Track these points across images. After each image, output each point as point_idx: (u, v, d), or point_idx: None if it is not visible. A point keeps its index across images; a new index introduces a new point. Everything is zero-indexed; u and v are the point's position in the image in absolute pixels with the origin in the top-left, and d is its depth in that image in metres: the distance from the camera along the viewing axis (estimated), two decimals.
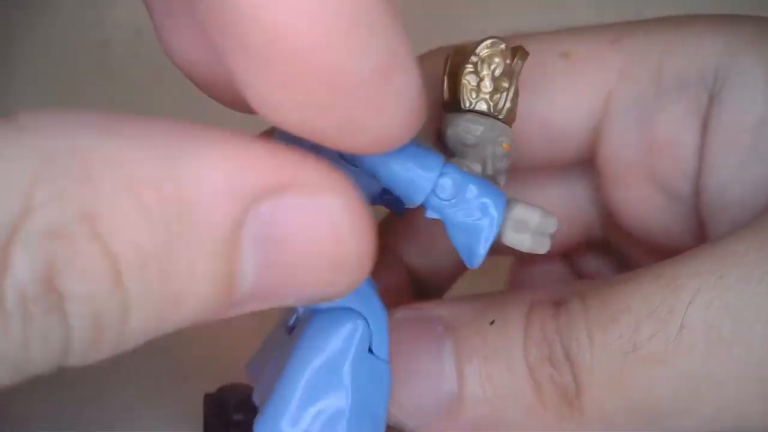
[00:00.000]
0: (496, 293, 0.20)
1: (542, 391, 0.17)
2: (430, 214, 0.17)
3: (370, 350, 0.16)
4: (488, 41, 0.18)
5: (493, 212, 0.16)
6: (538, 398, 0.18)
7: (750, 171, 0.19)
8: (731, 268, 0.17)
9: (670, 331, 0.17)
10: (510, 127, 0.18)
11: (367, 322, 0.16)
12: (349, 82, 0.12)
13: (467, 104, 0.18)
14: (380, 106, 0.13)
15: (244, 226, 0.12)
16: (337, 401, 0.15)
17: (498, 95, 0.18)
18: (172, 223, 0.11)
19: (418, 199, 0.17)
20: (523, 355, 0.18)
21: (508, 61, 0.18)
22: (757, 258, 0.16)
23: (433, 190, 0.16)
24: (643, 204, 0.22)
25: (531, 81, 0.22)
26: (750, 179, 0.19)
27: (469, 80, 0.18)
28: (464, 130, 0.18)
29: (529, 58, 0.19)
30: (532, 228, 0.17)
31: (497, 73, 0.18)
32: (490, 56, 0.18)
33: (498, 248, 0.27)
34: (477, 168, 0.18)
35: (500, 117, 0.18)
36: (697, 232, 0.21)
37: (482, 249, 0.17)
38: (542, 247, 0.17)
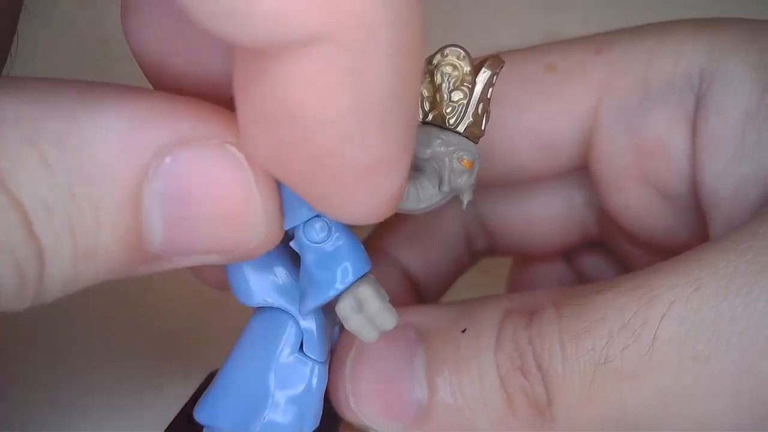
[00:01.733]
0: (472, 300, 0.20)
1: (513, 401, 0.17)
2: (292, 244, 0.16)
3: (301, 349, 0.17)
4: (446, 49, 0.17)
5: (339, 282, 0.16)
6: (509, 409, 0.17)
7: (738, 167, 0.19)
8: (708, 280, 0.16)
9: (643, 345, 0.16)
10: (475, 141, 0.18)
11: (298, 323, 0.17)
12: (340, 169, 0.12)
13: (420, 116, 0.17)
14: (357, 195, 0.13)
15: (147, 179, 0.12)
16: (262, 396, 0.17)
17: (456, 107, 0.17)
18: (74, 177, 0.12)
19: (286, 224, 0.16)
20: (495, 365, 0.18)
21: (468, 70, 0.17)
22: (734, 269, 0.16)
23: (304, 225, 0.16)
24: (640, 207, 0.22)
25: (518, 95, 0.22)
26: (738, 175, 0.19)
27: (423, 91, 0.17)
28: (418, 142, 0.17)
29: (513, 70, 0.19)
30: (366, 313, 0.16)
31: (454, 83, 0.17)
32: (447, 65, 0.17)
33: (498, 248, 0.27)
34: (431, 185, 0.17)
35: (458, 130, 0.17)
36: (699, 229, 0.21)
37: (311, 304, 0.16)
38: (366, 336, 0.16)
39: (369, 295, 0.16)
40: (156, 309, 0.32)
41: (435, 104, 0.17)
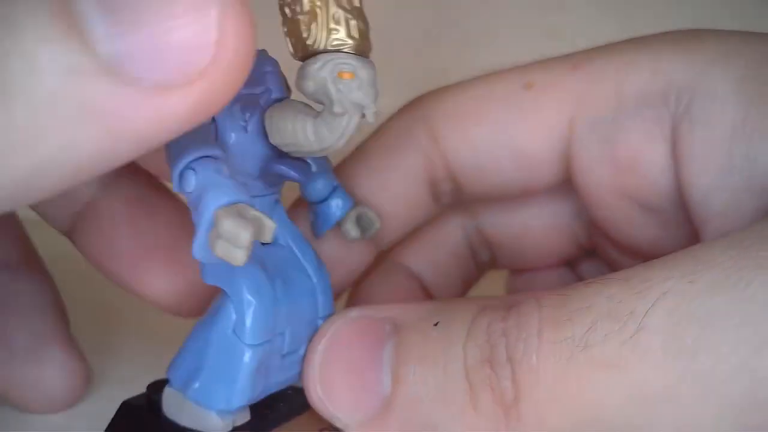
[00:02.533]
0: (456, 299, 0.19)
1: (476, 395, 0.16)
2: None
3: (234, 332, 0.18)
4: None
5: (203, 221, 0.16)
6: (470, 402, 0.16)
7: (728, 180, 0.19)
8: (704, 273, 0.15)
9: (627, 333, 0.15)
10: (363, 56, 0.16)
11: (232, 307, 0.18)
12: None
13: (297, 55, 0.17)
14: None
15: None
16: (199, 365, 0.18)
17: (312, 29, 0.16)
18: None
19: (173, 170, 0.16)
20: (462, 356, 0.17)
21: None
22: (733, 264, 0.15)
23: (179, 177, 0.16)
24: (624, 220, 0.22)
25: (498, 114, 0.22)
26: (729, 188, 0.19)
27: (284, 30, 0.17)
28: (300, 79, 0.17)
29: (493, 90, 0.21)
30: (223, 236, 0.15)
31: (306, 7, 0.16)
32: None
33: (500, 260, 0.27)
34: (332, 116, 0.16)
35: (333, 49, 0.16)
36: (688, 243, 0.21)
37: (195, 246, 0.16)
38: (233, 258, 0.15)
39: (220, 219, 0.15)
40: (157, 309, 0.32)
41: (298, 41, 0.16)
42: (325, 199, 0.21)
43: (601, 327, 0.15)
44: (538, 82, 0.22)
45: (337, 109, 0.16)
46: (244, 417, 0.19)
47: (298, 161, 0.19)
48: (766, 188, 0.18)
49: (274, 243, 0.20)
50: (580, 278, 0.27)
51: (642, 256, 0.23)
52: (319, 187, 0.21)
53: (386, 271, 0.25)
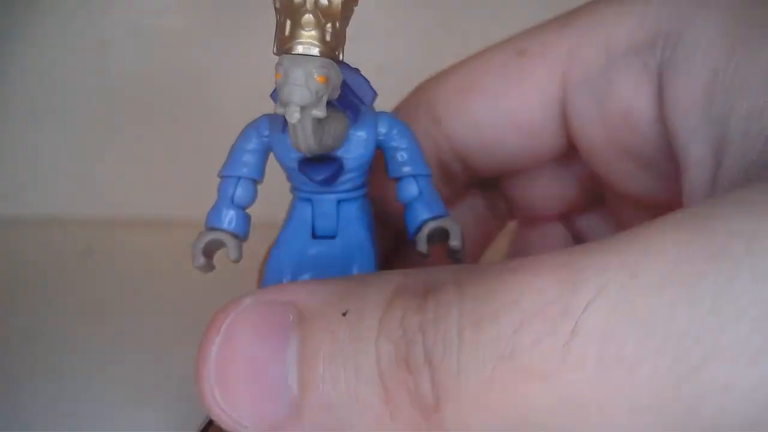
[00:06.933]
0: (365, 276, 0.17)
1: (393, 400, 0.15)
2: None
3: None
4: None
5: None
6: (386, 409, 0.15)
7: (703, 132, 0.18)
8: (648, 264, 0.13)
9: (558, 339, 0.13)
10: (331, 57, 0.16)
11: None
12: None
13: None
14: None
15: None
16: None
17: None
18: None
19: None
20: (375, 356, 0.15)
21: None
22: (683, 252, 0.13)
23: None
24: (625, 175, 0.22)
25: (494, 85, 0.22)
26: (703, 140, 0.18)
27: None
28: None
29: (488, 62, 0.21)
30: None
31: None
32: None
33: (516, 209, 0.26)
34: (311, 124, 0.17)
35: (301, 52, 0.16)
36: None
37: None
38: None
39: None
40: (158, 309, 0.32)
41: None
42: (408, 203, 0.20)
43: (529, 328, 0.13)
44: (529, 48, 0.22)
45: (276, 107, 0.16)
46: None
47: (322, 163, 0.19)
48: (741, 140, 0.16)
49: (327, 239, 0.19)
50: (578, 234, 0.27)
51: (648, 207, 0.22)
52: (402, 191, 0.20)
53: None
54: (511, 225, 0.28)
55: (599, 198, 0.26)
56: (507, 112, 0.22)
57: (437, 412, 0.14)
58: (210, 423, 0.20)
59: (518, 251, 0.28)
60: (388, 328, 0.15)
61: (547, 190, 0.26)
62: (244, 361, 0.16)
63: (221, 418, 0.16)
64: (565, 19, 0.22)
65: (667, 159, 0.20)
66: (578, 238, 0.27)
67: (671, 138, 0.19)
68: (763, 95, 0.16)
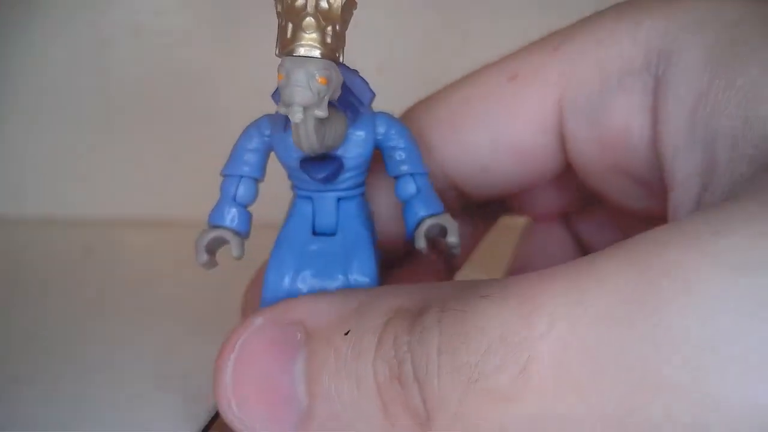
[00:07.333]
0: (368, 292, 0.18)
1: (390, 411, 0.16)
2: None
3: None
4: None
5: None
6: (386, 419, 0.16)
7: (688, 154, 0.18)
8: (596, 296, 0.14)
9: (518, 363, 0.14)
10: (331, 59, 0.17)
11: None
12: None
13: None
14: None
15: None
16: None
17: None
18: None
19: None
20: (372, 372, 0.16)
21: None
22: (629, 282, 0.14)
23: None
24: (620, 190, 0.22)
25: (487, 110, 0.22)
26: (688, 162, 0.18)
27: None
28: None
29: (480, 86, 0.21)
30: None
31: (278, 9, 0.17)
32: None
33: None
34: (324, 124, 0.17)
35: (303, 54, 0.17)
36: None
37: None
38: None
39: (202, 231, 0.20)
40: (157, 309, 0.32)
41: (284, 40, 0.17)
42: (407, 201, 0.20)
43: (494, 354, 0.15)
44: (521, 71, 0.22)
45: (282, 109, 0.17)
46: None
47: (323, 161, 0.19)
48: (725, 162, 0.17)
49: (329, 236, 0.20)
50: (577, 235, 0.27)
51: (645, 221, 0.22)
52: (400, 190, 0.20)
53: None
54: (505, 220, 0.28)
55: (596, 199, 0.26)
56: (501, 138, 0.22)
57: (429, 424, 0.16)
58: (213, 420, 0.20)
59: (521, 253, 0.28)
60: (384, 349, 0.16)
61: (547, 192, 0.26)
62: (257, 375, 0.18)
63: (236, 425, 0.18)
64: (557, 39, 0.21)
65: (662, 177, 0.20)
66: (578, 239, 0.27)
67: (660, 157, 0.19)
68: (740, 119, 0.17)
